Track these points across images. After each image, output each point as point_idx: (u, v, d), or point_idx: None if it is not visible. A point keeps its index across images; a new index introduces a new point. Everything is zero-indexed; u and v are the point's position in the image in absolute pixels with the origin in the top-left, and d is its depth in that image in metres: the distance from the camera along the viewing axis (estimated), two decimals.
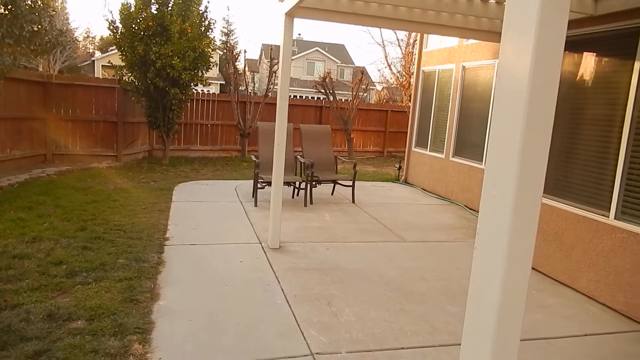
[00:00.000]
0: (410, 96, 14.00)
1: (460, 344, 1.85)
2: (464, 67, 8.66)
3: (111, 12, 21.31)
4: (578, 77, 5.16)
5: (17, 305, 3.60)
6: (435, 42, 9.88)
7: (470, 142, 8.45)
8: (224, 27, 41.73)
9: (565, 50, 1.63)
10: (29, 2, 7.24)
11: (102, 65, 31.96)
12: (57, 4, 8.25)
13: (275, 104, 5.50)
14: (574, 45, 5.15)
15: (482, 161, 7.96)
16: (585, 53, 5.11)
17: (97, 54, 36.99)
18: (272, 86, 13.74)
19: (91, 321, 3.45)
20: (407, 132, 10.87)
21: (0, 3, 6.80)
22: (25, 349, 3.02)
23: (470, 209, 8.16)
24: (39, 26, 7.41)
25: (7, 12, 6.93)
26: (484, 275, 1.72)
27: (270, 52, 14.26)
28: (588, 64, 5.08)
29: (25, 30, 7.15)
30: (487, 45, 7.87)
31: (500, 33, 1.63)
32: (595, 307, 4.51)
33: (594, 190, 4.84)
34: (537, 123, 1.60)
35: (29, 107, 9.71)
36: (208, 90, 14.47)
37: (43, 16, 7.41)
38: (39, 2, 7.37)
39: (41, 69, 21.43)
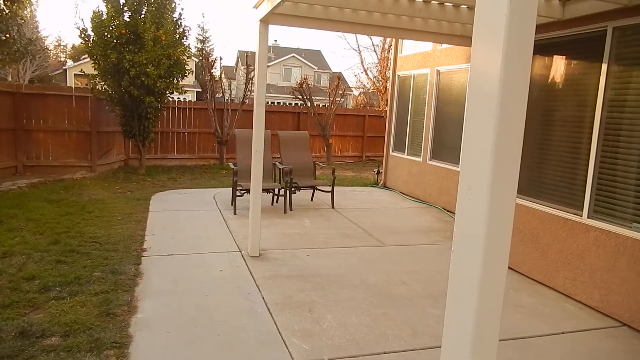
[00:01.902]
0: (387, 101, 14.12)
1: (441, 347, 1.86)
2: (438, 71, 8.78)
3: (82, 20, 20.81)
4: (549, 80, 5.28)
5: None
6: (411, 47, 10.00)
7: (447, 145, 8.56)
8: (199, 34, 41.40)
9: (535, 53, 1.66)
10: None
11: (74, 74, 31.34)
12: (25, 12, 8.08)
13: (253, 110, 5.47)
14: (544, 48, 5.27)
15: (458, 164, 8.06)
16: (555, 56, 5.23)
17: (69, 62, 36.26)
18: (249, 93, 13.68)
19: (66, 337, 3.36)
20: (384, 137, 10.94)
21: None
22: None
23: (448, 211, 8.25)
24: (7, 35, 7.25)
25: None
26: (461, 278, 1.73)
27: (247, 58, 14.21)
28: (558, 66, 5.20)
29: None
30: (461, 49, 8.00)
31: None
32: (571, 305, 4.60)
33: (567, 190, 4.95)
34: (508, 126, 1.62)
35: None
36: (184, 98, 14.33)
37: (11, 25, 7.26)
38: (6, 11, 7.22)
39: (10, 79, 20.90)
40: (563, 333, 4.00)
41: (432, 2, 5.29)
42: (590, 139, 4.65)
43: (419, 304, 4.38)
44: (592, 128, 4.64)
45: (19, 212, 6.73)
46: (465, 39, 6.39)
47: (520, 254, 5.37)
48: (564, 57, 5.14)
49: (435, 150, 8.90)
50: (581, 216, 4.71)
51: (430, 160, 8.97)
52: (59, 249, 5.25)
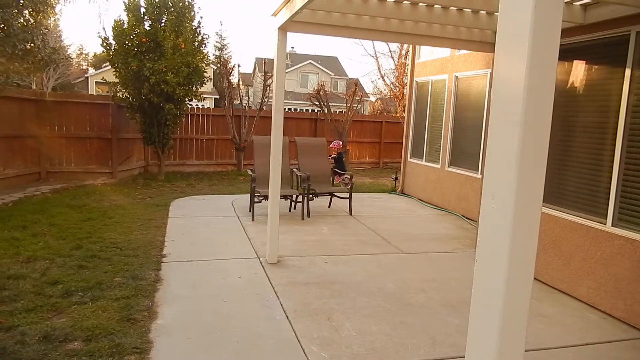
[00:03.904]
0: (404, 107, 14.08)
1: (461, 357, 1.83)
2: (456, 77, 8.72)
3: (104, 29, 21.33)
4: (570, 85, 5.20)
5: (12, 327, 3.55)
6: (428, 53, 9.97)
7: (466, 152, 8.48)
8: (217, 42, 41.92)
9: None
10: (22, 21, 7.26)
11: (95, 82, 31.96)
12: (49, 22, 8.29)
13: (270, 117, 5.50)
14: (564, 53, 5.20)
15: (477, 170, 7.98)
16: (575, 61, 5.16)
17: (91, 70, 37.04)
18: (266, 99, 13.78)
19: (88, 342, 3.40)
20: (402, 143, 10.90)
21: None
22: None
23: (468, 218, 8.16)
24: (32, 44, 7.42)
25: None
26: (485, 287, 1.71)
27: (264, 65, 14.32)
28: (579, 72, 5.12)
29: (17, 49, 7.16)
30: (479, 55, 7.94)
31: (492, 43, 1.65)
32: (595, 315, 4.50)
33: (591, 198, 4.86)
34: (534, 133, 1.60)
35: (22, 125, 9.68)
36: (202, 105, 14.50)
37: (35, 34, 7.44)
38: (32, 21, 7.40)
39: (34, 87, 21.42)
40: (587, 344, 3.91)
41: (451, 8, 5.27)
42: (614, 145, 4.56)
43: (437, 312, 4.33)
44: (615, 134, 4.55)
45: (43, 217, 6.87)
46: (484, 45, 6.34)
47: (541, 262, 5.28)
48: (585, 62, 5.06)
49: (453, 157, 8.83)
50: (605, 224, 4.61)
51: (448, 166, 8.90)
52: (81, 254, 5.34)
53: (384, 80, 21.71)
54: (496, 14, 5.37)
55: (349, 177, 9.15)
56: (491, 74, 7.43)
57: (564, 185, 5.18)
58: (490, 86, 7.15)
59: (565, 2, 4.79)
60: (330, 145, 10.71)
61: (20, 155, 9.63)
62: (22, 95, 9.96)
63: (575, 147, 5.09)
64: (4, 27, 6.87)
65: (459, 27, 5.95)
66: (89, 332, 3.52)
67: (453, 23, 5.52)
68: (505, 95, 1.65)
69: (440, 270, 5.57)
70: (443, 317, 4.21)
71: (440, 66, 9.29)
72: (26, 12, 7.28)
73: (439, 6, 5.20)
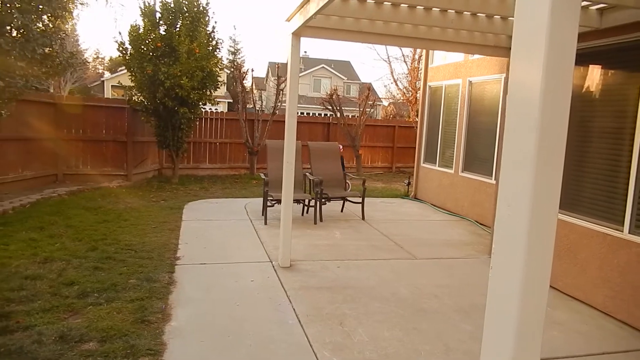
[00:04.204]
0: (417, 111, 14.03)
1: None
2: (470, 82, 8.68)
3: (120, 33, 21.66)
4: (586, 90, 5.15)
5: (29, 326, 3.60)
6: (441, 58, 9.94)
7: (479, 157, 8.43)
8: (230, 46, 42.29)
9: None
10: (41, 26, 7.39)
11: (111, 86, 32.42)
12: (67, 26, 8.44)
13: (283, 121, 5.53)
14: (580, 58, 5.14)
15: (491, 176, 7.91)
16: (591, 66, 5.10)
17: (107, 74, 37.53)
18: (279, 104, 13.84)
19: (103, 343, 3.44)
20: (415, 148, 10.87)
21: (13, 27, 6.96)
22: None
23: (481, 224, 8.10)
24: (50, 49, 7.55)
25: (19, 35, 7.08)
26: (501, 295, 1.70)
27: (277, 70, 14.40)
28: (595, 77, 5.07)
29: (37, 53, 7.29)
30: (493, 59, 7.90)
31: (506, 48, 1.64)
32: (611, 324, 4.43)
33: (607, 204, 4.79)
34: (550, 138, 1.59)
35: (40, 128, 9.84)
36: (216, 109, 14.63)
37: (54, 39, 7.55)
38: (51, 26, 7.53)
39: (52, 90, 21.78)
40: (604, 353, 3.85)
41: (465, 12, 5.25)
42: (631, 151, 4.49)
43: (451, 318, 4.30)
44: (633, 140, 4.48)
45: (59, 219, 6.97)
46: (498, 50, 6.30)
47: (556, 269, 5.22)
48: (601, 66, 5.00)
49: (467, 162, 8.77)
50: (622, 231, 4.54)
51: (462, 172, 8.85)
52: (96, 255, 5.41)
53: (396, 84, 21.69)
54: (511, 18, 5.35)
55: (349, 183, 9.11)
56: (505, 78, 7.38)
57: (580, 191, 5.12)
58: (505, 91, 7.11)
59: (581, 7, 4.75)
60: None
61: (37, 158, 9.79)
62: (40, 99, 10.13)
63: (591, 153, 5.03)
64: (23, 32, 7.00)
65: (473, 31, 5.92)
66: (104, 333, 3.56)
67: (467, 28, 5.50)
68: (521, 100, 1.64)
69: (454, 276, 5.53)
70: (456, 324, 4.18)
71: (454, 71, 9.25)
72: (45, 17, 7.41)
73: (453, 11, 5.18)
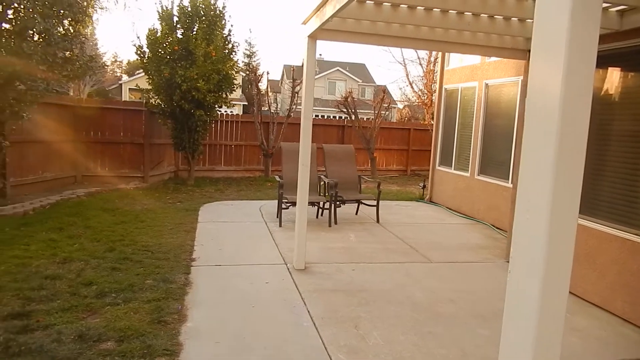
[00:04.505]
0: (432, 114, 13.96)
1: None
2: (487, 84, 8.61)
3: (139, 37, 21.96)
4: (605, 93, 5.07)
5: (49, 325, 3.67)
6: (457, 60, 9.88)
7: (496, 160, 8.35)
8: (246, 49, 42.51)
9: None
10: (61, 30, 7.54)
11: (129, 89, 32.85)
12: (87, 30, 8.59)
13: (298, 123, 5.54)
14: (600, 60, 5.06)
15: (508, 179, 7.83)
16: (610, 68, 5.02)
17: (125, 77, 38.10)
18: (294, 106, 13.89)
19: (120, 342, 3.48)
20: (430, 151, 10.81)
21: (35, 31, 7.11)
22: None
23: (498, 228, 8.02)
24: (71, 53, 7.70)
25: (41, 39, 7.23)
26: (519, 301, 1.68)
27: (293, 73, 14.46)
28: (614, 79, 4.99)
29: (57, 57, 7.44)
30: (510, 62, 7.83)
31: (524, 50, 1.62)
32: (630, 330, 4.34)
33: (627, 209, 4.71)
34: (570, 143, 1.57)
35: (59, 130, 10.02)
36: (231, 112, 14.72)
37: (74, 43, 7.71)
38: (71, 30, 7.68)
39: (71, 93, 22.15)
40: None
41: (482, 15, 5.22)
42: None
43: (467, 323, 4.26)
44: None
45: (78, 219, 7.08)
46: (515, 52, 6.24)
47: (574, 274, 5.11)
48: (621, 69, 4.92)
49: (483, 165, 8.70)
50: None
51: (478, 175, 8.77)
52: (114, 256, 5.48)
53: (412, 87, 21.59)
54: (529, 20, 5.29)
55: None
56: (522, 81, 7.30)
57: (599, 195, 5.04)
58: (522, 94, 7.04)
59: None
60: None
61: (57, 160, 9.96)
62: (61, 102, 10.32)
63: (610, 156, 4.94)
64: (45, 36, 7.15)
65: (490, 34, 5.88)
66: (121, 333, 3.61)
67: (484, 30, 5.46)
68: (540, 104, 1.63)
69: (470, 281, 5.48)
70: (473, 329, 4.14)
71: (470, 73, 9.19)
72: (66, 21, 7.56)
73: (470, 13, 5.16)
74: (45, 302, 4.11)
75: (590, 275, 5.00)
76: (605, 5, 4.62)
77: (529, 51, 6.09)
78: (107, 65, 36.34)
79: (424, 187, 11.00)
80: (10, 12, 7.05)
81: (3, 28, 7.00)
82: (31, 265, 4.99)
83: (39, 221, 6.81)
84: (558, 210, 1.56)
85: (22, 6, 7.07)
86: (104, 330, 3.63)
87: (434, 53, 18.82)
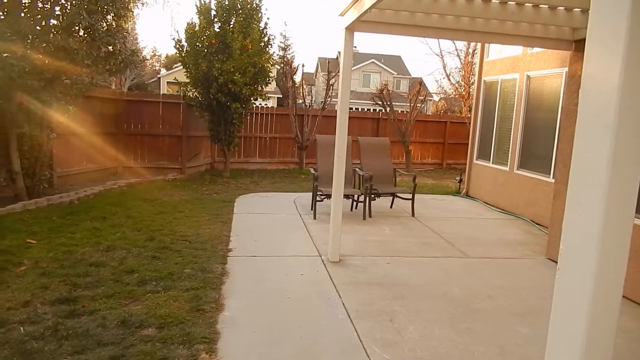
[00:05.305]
0: (469, 107, 13.65)
1: None
2: (528, 76, 8.34)
3: (177, 31, 22.37)
4: None
5: (94, 311, 3.81)
6: (496, 52, 9.61)
7: (537, 154, 8.09)
8: (281, 42, 42.74)
9: None
10: (105, 25, 7.76)
11: (167, 82, 33.61)
12: (128, 25, 8.82)
13: (332, 116, 5.54)
14: None
15: (549, 174, 7.59)
16: None
17: (163, 71, 38.95)
18: (329, 99, 13.87)
19: (161, 329, 3.58)
20: (467, 144, 10.59)
21: (81, 27, 7.34)
22: (102, 354, 3.17)
23: (537, 223, 7.79)
24: (113, 47, 7.91)
25: (86, 35, 7.47)
26: (569, 301, 1.62)
27: (328, 65, 14.42)
28: None
29: (101, 52, 7.67)
30: (554, 53, 7.55)
31: (569, 40, 1.54)
32: None
33: None
34: (628, 136, 1.49)
35: (102, 123, 10.36)
36: (266, 104, 14.84)
37: (117, 38, 7.91)
38: (114, 25, 7.89)
39: (113, 87, 22.83)
40: None
41: (526, 4, 5.04)
42: None
43: (505, 320, 4.17)
44: None
45: (120, 209, 7.31)
46: (560, 42, 6.01)
47: None
48: None
49: (523, 159, 8.45)
50: None
51: (517, 169, 8.53)
52: (154, 245, 5.63)
53: (449, 79, 21.19)
54: (576, 9, 5.08)
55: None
56: (567, 73, 7.03)
57: None
58: (567, 86, 6.78)
59: None
60: None
61: (100, 151, 10.30)
62: (104, 95, 10.66)
63: None
64: (90, 31, 7.37)
65: (534, 24, 5.68)
66: (161, 320, 3.71)
67: (528, 20, 5.28)
68: (596, 96, 1.55)
69: (509, 277, 5.35)
70: (512, 326, 4.05)
71: (511, 65, 8.92)
72: (109, 16, 7.77)
73: (513, 3, 4.99)
74: (90, 288, 4.27)
75: (637, 274, 4.79)
76: None
77: (576, 42, 5.86)
78: (147, 59, 37.24)
79: (461, 180, 10.80)
80: (57, 8, 7.30)
81: (51, 24, 7.26)
82: (77, 253, 5.19)
83: (84, 210, 7.07)
84: (613, 205, 1.49)
85: (68, 3, 7.31)
86: (145, 317, 3.74)
87: (472, 44, 18.40)
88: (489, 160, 9.53)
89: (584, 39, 1.76)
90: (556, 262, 1.67)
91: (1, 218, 6.28)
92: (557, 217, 5.91)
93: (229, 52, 10.75)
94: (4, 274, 4.51)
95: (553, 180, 7.18)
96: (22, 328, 3.46)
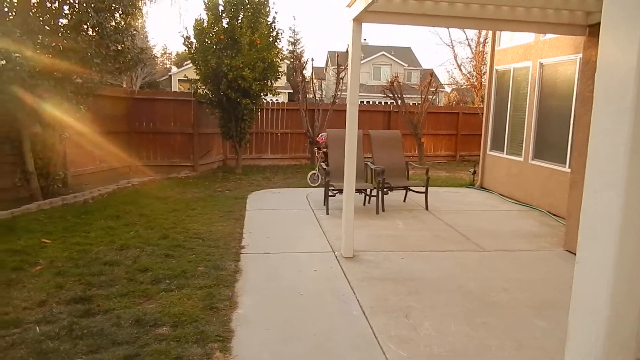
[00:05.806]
0: (482, 97, 13.47)
1: None
2: (541, 64, 8.18)
3: (186, 28, 22.42)
4: None
5: (109, 310, 3.82)
6: (507, 40, 9.45)
7: (551, 144, 7.95)
8: (290, 37, 42.60)
9: None
10: (114, 24, 7.78)
11: (178, 80, 33.76)
12: (137, 23, 8.84)
13: (343, 110, 5.47)
14: None
15: (565, 163, 7.44)
16: None
17: (174, 68, 39.16)
18: (339, 93, 13.78)
19: (175, 327, 3.58)
20: (480, 135, 10.44)
21: (89, 25, 7.37)
22: (117, 353, 3.18)
23: (553, 214, 7.66)
24: (122, 45, 7.94)
25: (94, 33, 7.50)
26: (588, 293, 1.56)
27: (337, 59, 14.33)
28: None
29: (110, 50, 7.70)
30: (567, 39, 7.38)
31: (583, 25, 1.48)
32: None
33: None
34: None
35: (114, 122, 10.42)
36: (277, 100, 14.79)
37: (126, 36, 7.93)
38: (122, 23, 7.91)
39: (125, 85, 23.00)
40: None
41: None
42: None
43: (522, 313, 4.09)
44: None
45: (133, 208, 7.36)
46: (573, 28, 5.86)
47: None
48: None
49: (538, 149, 8.31)
50: None
51: (532, 159, 8.39)
52: (167, 243, 5.65)
53: (460, 69, 20.94)
54: None
55: None
56: (581, 59, 6.87)
57: None
58: (581, 72, 6.62)
59: None
60: (318, 138, 10.58)
61: (112, 150, 10.34)
62: (115, 94, 10.72)
63: None
64: (98, 29, 7.40)
65: (546, 9, 5.55)
66: (175, 319, 3.71)
67: (539, 5, 5.17)
68: (612, 80, 1.49)
69: (525, 270, 5.26)
70: (528, 319, 3.97)
71: (523, 53, 8.76)
72: (117, 14, 7.79)
73: None
74: (104, 287, 4.29)
75: None
76: None
77: (590, 26, 5.71)
78: (157, 57, 37.46)
79: (474, 172, 10.67)
80: (66, 7, 7.34)
81: (60, 24, 7.30)
82: (91, 252, 5.23)
83: (98, 209, 7.13)
84: (632, 194, 1.43)
85: (76, 1, 7.34)
86: (159, 316, 3.74)
87: (483, 33, 18.13)
88: (503, 151, 9.39)
89: (599, 23, 1.69)
90: (574, 254, 1.62)
91: (16, 218, 6.36)
92: (574, 208, 5.79)
93: (237, 48, 10.73)
94: (20, 273, 4.56)
95: (569, 170, 7.04)
96: (37, 328, 3.49)
